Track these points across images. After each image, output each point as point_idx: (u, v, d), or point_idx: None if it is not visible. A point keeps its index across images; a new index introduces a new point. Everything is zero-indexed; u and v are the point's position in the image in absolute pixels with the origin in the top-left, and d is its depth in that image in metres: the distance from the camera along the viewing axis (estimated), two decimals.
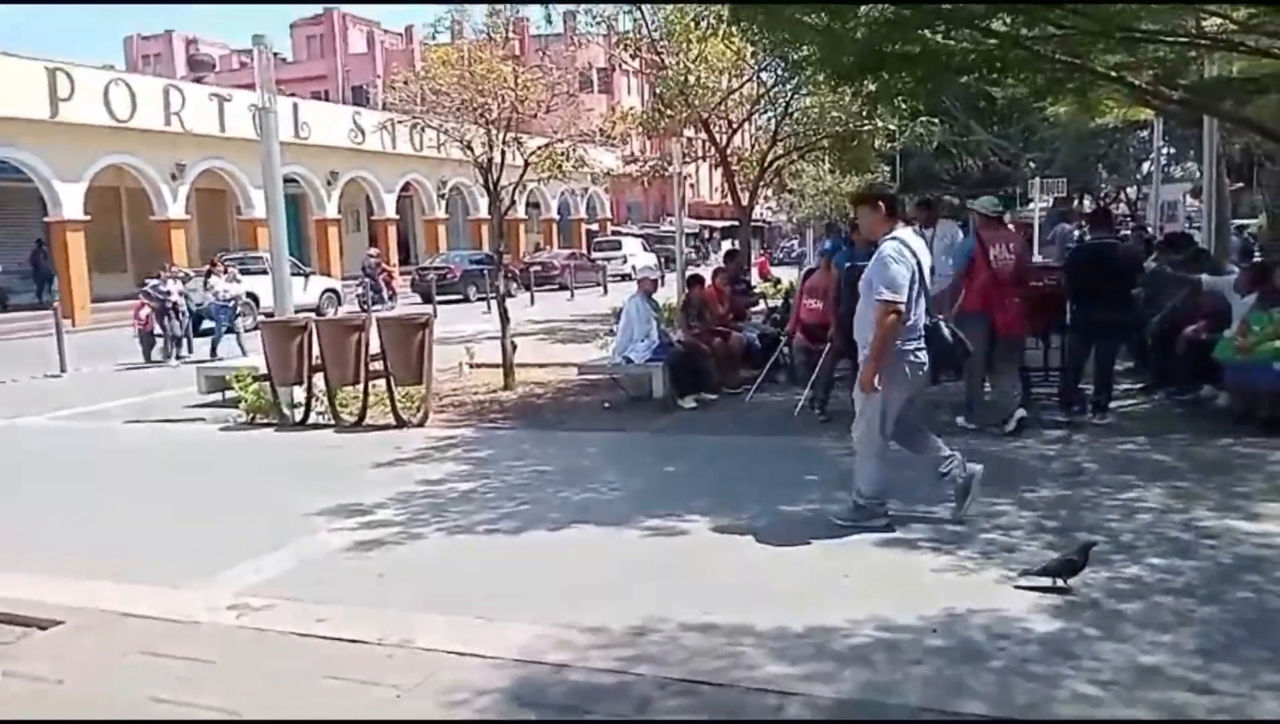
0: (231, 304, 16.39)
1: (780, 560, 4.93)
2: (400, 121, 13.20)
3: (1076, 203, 41.69)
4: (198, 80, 36.25)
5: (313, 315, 11.85)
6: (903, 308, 4.98)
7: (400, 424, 8.92)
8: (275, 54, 11.30)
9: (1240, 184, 34.11)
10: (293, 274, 16.36)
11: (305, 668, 3.83)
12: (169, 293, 16.07)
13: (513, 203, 12.21)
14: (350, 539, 5.54)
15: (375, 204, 35.05)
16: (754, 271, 22.14)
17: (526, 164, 11.61)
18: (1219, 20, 12.11)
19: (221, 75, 46.51)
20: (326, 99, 44.56)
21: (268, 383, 9.50)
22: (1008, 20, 10.00)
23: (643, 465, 7.15)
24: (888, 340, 5.00)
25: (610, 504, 6.05)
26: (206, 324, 17.04)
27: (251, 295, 19.32)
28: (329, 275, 28.87)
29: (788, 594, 4.40)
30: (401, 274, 31.69)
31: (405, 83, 12.31)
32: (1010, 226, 10.17)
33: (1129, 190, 45.30)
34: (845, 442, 6.64)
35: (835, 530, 5.26)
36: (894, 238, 5.16)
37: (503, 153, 10.79)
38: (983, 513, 5.43)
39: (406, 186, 35.78)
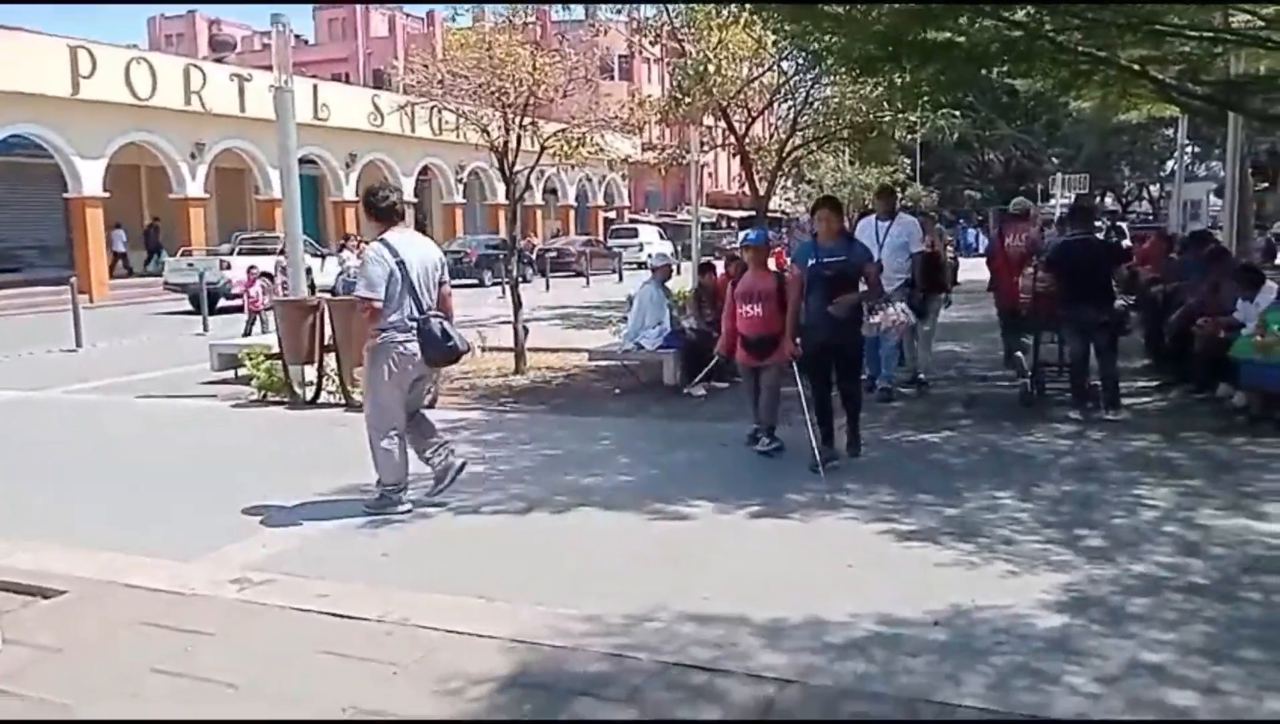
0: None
1: (784, 549, 4.90)
2: (419, 104, 13.19)
3: (1099, 200, 41.31)
4: (219, 60, 36.33)
5: (327, 296, 11.87)
6: (378, 305, 5.38)
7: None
8: (296, 36, 11.33)
9: (1265, 184, 33.74)
10: (312, 255, 16.53)
11: (303, 642, 3.83)
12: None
13: (529, 187, 12.19)
14: (356, 518, 5.54)
15: None
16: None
17: (543, 148, 11.58)
18: (1246, 16, 11.97)
19: (243, 56, 46.58)
20: (347, 81, 44.60)
21: (279, 362, 9.52)
22: (1031, 11, 9.90)
23: (651, 451, 7.13)
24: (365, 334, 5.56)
25: (617, 489, 6.03)
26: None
27: (267, 274, 19.37)
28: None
29: (790, 583, 4.38)
30: None
31: (424, 66, 12.29)
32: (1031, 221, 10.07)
33: (1152, 188, 44.91)
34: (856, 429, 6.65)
35: (842, 520, 5.23)
36: (380, 240, 5.54)
37: (519, 137, 10.76)
38: (989, 506, 5.39)
39: (425, 170, 35.82)
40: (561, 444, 7.36)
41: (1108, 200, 44.52)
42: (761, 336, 6.62)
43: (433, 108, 12.81)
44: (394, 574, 4.64)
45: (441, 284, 5.69)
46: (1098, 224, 17.72)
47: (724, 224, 53.72)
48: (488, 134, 10.90)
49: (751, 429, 6.94)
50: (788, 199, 36.65)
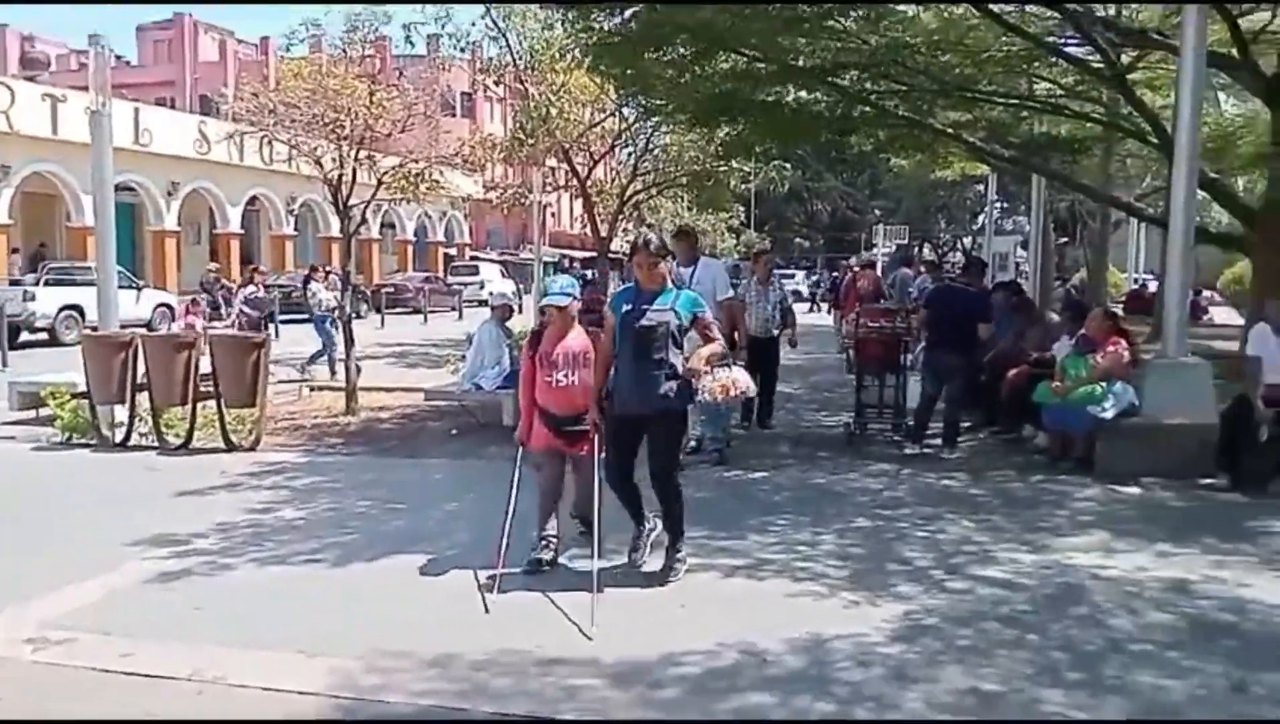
0: (335, 314, 14.21)
1: (618, 591, 4.91)
2: (249, 134, 12.73)
3: (917, 250, 43.81)
4: (30, 79, 34.03)
5: (142, 330, 11.23)
6: None
7: (230, 448, 8.50)
8: (118, 56, 10.76)
9: (1065, 239, 36.66)
10: (124, 286, 15.61)
11: (106, 706, 3.56)
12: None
13: (364, 222, 11.92)
14: (165, 569, 5.22)
15: (219, 217, 33.61)
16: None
17: (379, 183, 11.36)
18: (1048, 85, 13.09)
19: (59, 75, 43.69)
20: (172, 106, 42.51)
21: (86, 401, 8.91)
22: (855, 76, 10.51)
23: (486, 494, 6.98)
24: None
25: (445, 534, 5.92)
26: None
27: (76, 307, 18.18)
28: (164, 289, 27.44)
29: (620, 624, 4.39)
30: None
31: (255, 95, 11.89)
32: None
33: (965, 240, 48.00)
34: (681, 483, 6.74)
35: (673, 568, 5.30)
36: None
37: (354, 171, 10.53)
38: (810, 541, 5.63)
39: (253, 200, 34.48)
40: (390, 487, 7.16)
41: (925, 250, 47.29)
42: (576, 414, 5.23)
43: (263, 137, 12.41)
44: (207, 629, 4.38)
45: None
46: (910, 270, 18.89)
47: (568, 263, 54.00)
48: (321, 166, 10.63)
49: (537, 538, 5.23)
50: (629, 241, 37.24)
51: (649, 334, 4.93)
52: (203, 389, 8.68)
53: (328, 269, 16.35)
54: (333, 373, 13.28)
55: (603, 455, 5.12)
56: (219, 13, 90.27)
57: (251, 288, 14.89)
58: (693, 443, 7.68)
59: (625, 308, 5.06)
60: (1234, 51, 9.39)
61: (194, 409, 8.67)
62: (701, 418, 7.59)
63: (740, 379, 5.08)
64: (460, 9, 18.50)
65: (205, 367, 8.75)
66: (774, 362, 9.57)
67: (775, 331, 9.58)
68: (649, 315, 4.97)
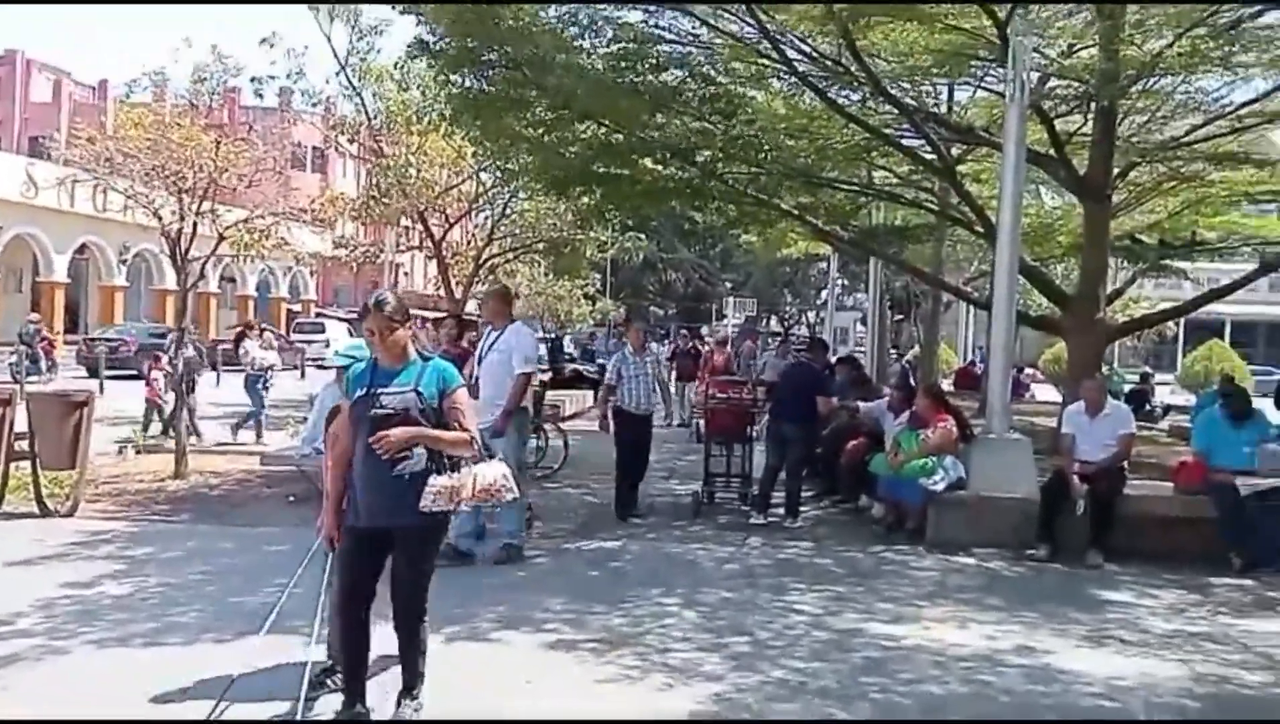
0: (267, 375, 13.50)
1: (467, 662, 4.79)
2: (80, 181, 12.12)
3: (765, 322, 45.32)
4: None
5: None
6: None
7: (45, 513, 7.90)
8: None
9: (901, 316, 38.71)
10: None
11: None
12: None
13: (203, 275, 11.47)
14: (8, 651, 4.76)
15: (43, 264, 31.65)
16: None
17: (221, 237, 10.98)
18: (885, 173, 13.91)
19: None
20: None
21: None
22: (708, 155, 10.92)
23: (323, 566, 6.74)
24: None
25: (290, 608, 5.62)
26: None
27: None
28: None
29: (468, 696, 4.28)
30: (67, 343, 28.53)
31: (90, 140, 11.36)
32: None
33: (810, 314, 49.97)
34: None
35: (523, 633, 5.21)
36: None
37: (195, 224, 10.15)
38: (655, 613, 5.68)
39: (83, 249, 32.65)
40: (223, 558, 6.79)
41: (773, 322, 48.96)
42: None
43: (97, 185, 11.84)
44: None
45: None
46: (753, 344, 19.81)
47: (420, 323, 53.13)
48: (160, 218, 10.20)
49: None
50: (480, 301, 37.11)
51: (386, 424, 3.85)
52: (17, 449, 8.04)
53: (264, 327, 15.27)
54: (258, 437, 12.60)
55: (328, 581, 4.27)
56: (55, 51, 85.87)
57: (253, 343, 13.64)
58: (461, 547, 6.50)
59: (357, 393, 3.98)
60: (1052, 151, 10.23)
61: (5, 471, 8.01)
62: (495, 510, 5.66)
63: (493, 477, 4.02)
64: (312, 68, 18.29)
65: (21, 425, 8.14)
66: (648, 442, 8.97)
67: (652, 408, 8.95)
68: (385, 399, 3.90)
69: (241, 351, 13.67)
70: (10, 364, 23.03)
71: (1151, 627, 5.81)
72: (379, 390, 3.92)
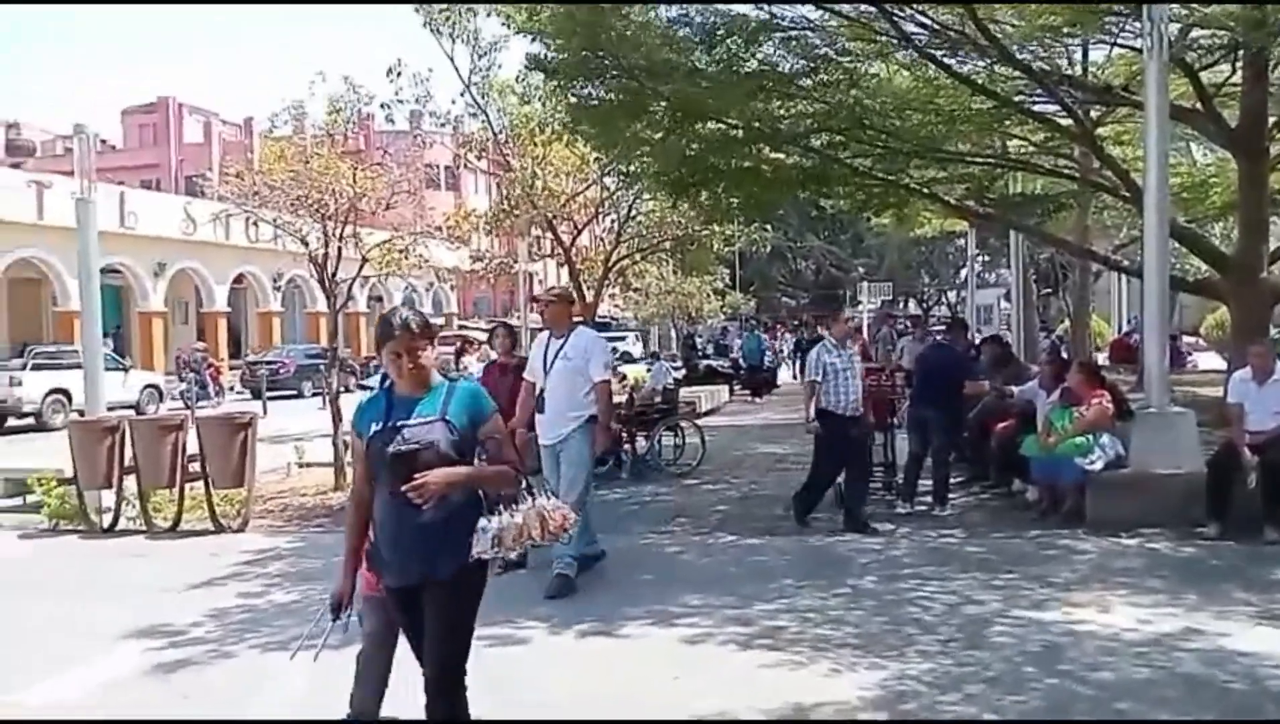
0: None
1: (616, 662, 4.86)
2: (233, 215, 12.86)
3: (902, 305, 44.20)
4: (15, 166, 34.43)
5: (131, 412, 11.19)
6: None
7: (218, 530, 8.43)
8: (103, 141, 10.92)
9: (1049, 290, 37.05)
10: (111, 368, 15.60)
11: None
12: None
13: (351, 296, 11.99)
14: (155, 659, 5.13)
15: (205, 296, 33.77)
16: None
17: (364, 260, 11.45)
18: (1020, 142, 13.35)
19: (43, 160, 44.23)
20: (158, 188, 42.95)
21: (74, 487, 8.84)
22: (828, 139, 10.73)
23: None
24: None
25: None
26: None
27: (63, 391, 18.11)
28: (151, 369, 27.42)
29: (622, 698, 4.34)
30: (232, 368, 30.37)
31: (239, 176, 12.03)
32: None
33: (949, 294, 48.46)
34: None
35: (671, 627, 5.24)
36: None
37: (339, 249, 10.61)
38: (808, 607, 5.57)
39: (240, 278, 34.67)
40: None
41: (911, 305, 47.66)
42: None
43: (248, 218, 12.54)
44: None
45: None
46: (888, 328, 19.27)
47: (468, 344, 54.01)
48: (306, 245, 10.72)
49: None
50: (616, 305, 37.48)
51: (410, 463, 3.23)
52: (191, 471, 8.62)
53: (480, 341, 15.59)
54: None
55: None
56: (204, 94, 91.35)
57: (472, 358, 13.90)
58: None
59: (373, 428, 3.35)
60: (1199, 105, 9.62)
61: (182, 492, 8.60)
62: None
63: (560, 514, 3.39)
64: (439, 90, 18.89)
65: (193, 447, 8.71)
66: (861, 449, 8.06)
67: (861, 409, 7.91)
68: (408, 432, 3.29)
69: (461, 366, 14.19)
70: (180, 391, 24.72)
71: None
72: (399, 424, 3.30)
